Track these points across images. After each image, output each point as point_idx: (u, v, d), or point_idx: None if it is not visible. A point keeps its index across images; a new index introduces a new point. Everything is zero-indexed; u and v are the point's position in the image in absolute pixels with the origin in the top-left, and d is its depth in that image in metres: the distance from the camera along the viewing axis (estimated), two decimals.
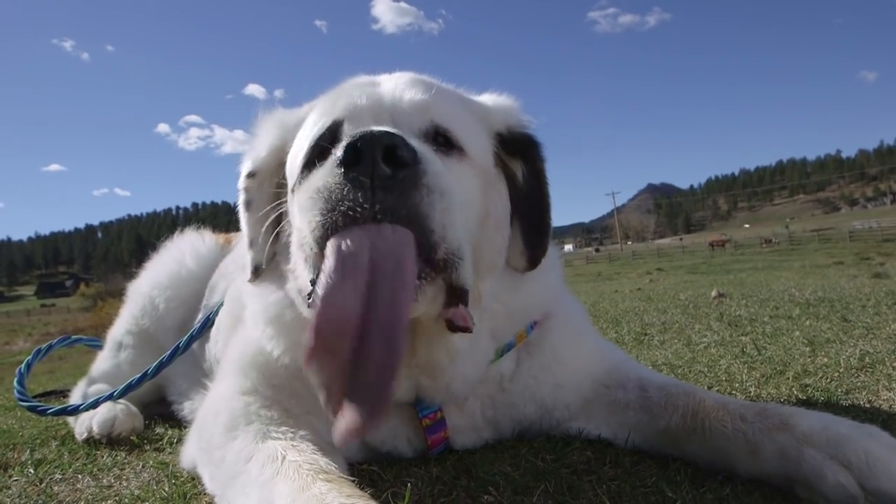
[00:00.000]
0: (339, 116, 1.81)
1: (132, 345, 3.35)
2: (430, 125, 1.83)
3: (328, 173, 1.52)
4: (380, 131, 1.51)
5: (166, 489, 2.08)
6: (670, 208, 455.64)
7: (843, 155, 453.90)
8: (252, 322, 2.07)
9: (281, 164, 2.03)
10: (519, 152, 2.07)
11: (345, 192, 1.47)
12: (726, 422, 1.76)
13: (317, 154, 1.76)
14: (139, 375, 2.86)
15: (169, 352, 2.83)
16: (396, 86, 1.91)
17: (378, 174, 1.46)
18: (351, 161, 1.47)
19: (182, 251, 3.48)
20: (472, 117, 1.98)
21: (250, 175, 2.03)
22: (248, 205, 2.03)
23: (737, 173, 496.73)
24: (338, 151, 1.51)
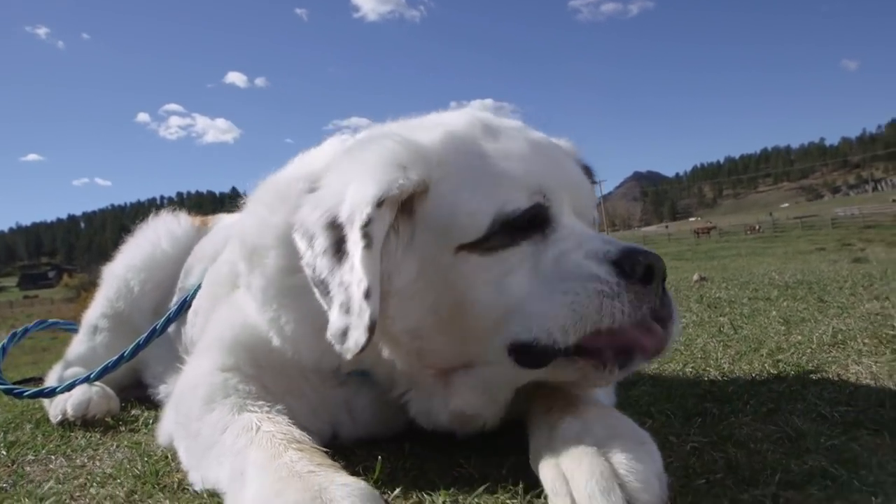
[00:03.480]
0: (544, 201, 1.72)
1: (108, 328, 3.32)
2: (595, 217, 1.96)
3: (614, 272, 1.58)
4: (656, 254, 1.62)
5: (139, 467, 2.07)
6: (656, 196, 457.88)
7: (827, 143, 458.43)
8: (259, 303, 1.95)
9: (403, 200, 1.70)
10: None
11: (637, 310, 1.57)
12: None
13: (507, 225, 1.67)
14: (115, 358, 2.84)
15: (145, 334, 2.80)
16: (573, 167, 1.96)
17: (659, 294, 1.62)
18: (643, 277, 1.58)
19: (157, 233, 3.44)
20: None
21: (380, 203, 1.60)
22: (370, 242, 1.57)
23: (722, 161, 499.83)
24: (626, 258, 1.60)
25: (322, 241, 1.63)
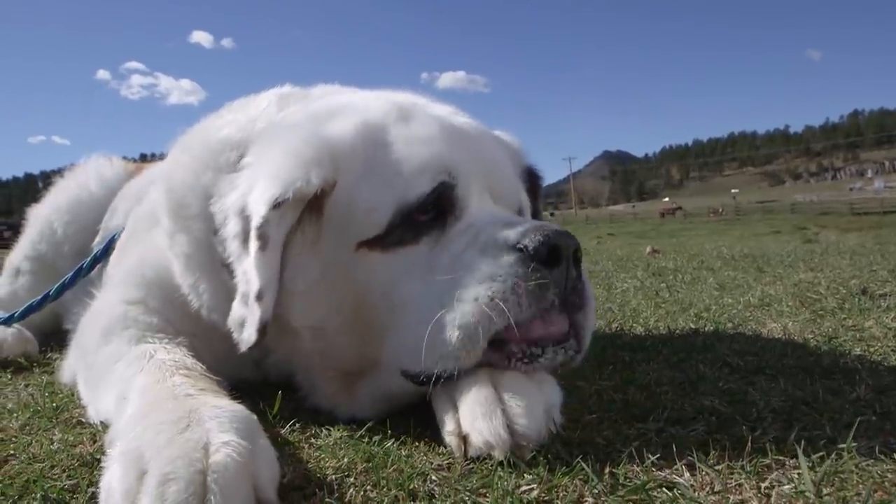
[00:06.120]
0: (449, 179, 1.62)
1: (30, 270, 3.23)
2: (518, 202, 1.84)
3: (511, 263, 1.46)
4: (565, 230, 1.51)
5: (40, 403, 2.01)
6: (625, 175, 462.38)
7: (791, 130, 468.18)
8: (182, 267, 1.88)
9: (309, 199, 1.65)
10: (528, 190, 2.05)
11: (540, 295, 1.44)
12: None
13: (413, 213, 1.60)
14: (40, 297, 2.77)
15: (72, 273, 2.73)
16: (492, 150, 1.84)
17: (570, 277, 1.49)
18: (546, 260, 1.45)
19: (87, 175, 3.34)
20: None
21: (277, 205, 1.54)
22: (265, 243, 1.54)
23: (690, 143, 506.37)
24: (526, 241, 1.46)
25: (233, 226, 1.60)
